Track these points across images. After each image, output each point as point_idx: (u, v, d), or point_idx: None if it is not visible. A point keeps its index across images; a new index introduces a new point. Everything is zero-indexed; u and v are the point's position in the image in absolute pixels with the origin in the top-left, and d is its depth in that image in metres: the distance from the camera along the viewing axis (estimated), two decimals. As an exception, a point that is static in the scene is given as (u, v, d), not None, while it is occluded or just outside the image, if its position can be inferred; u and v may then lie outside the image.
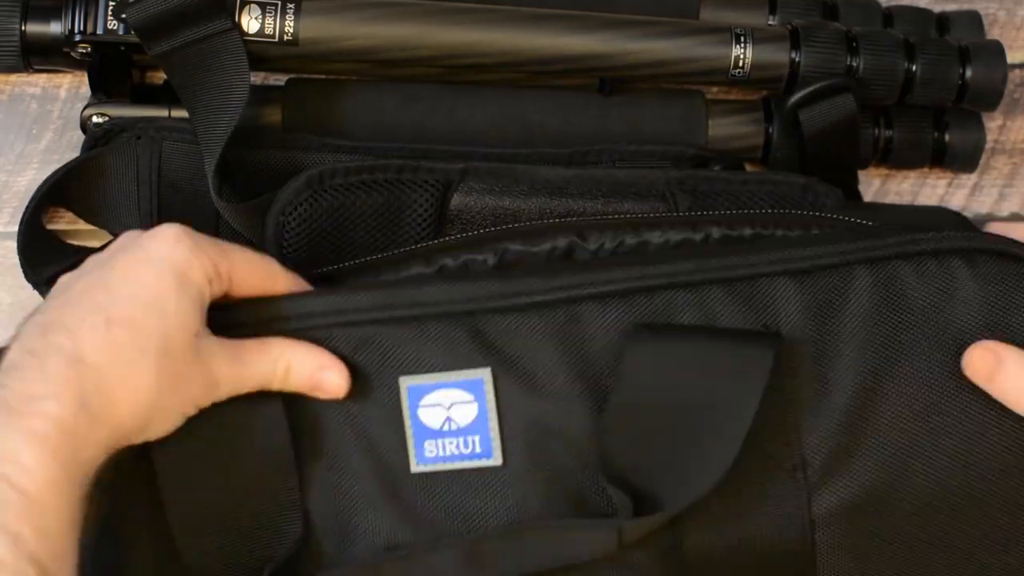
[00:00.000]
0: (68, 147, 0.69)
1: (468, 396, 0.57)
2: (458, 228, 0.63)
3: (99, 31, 0.65)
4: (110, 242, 0.66)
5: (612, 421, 0.55)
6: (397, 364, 0.57)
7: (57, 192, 0.66)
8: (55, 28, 0.65)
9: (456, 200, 0.63)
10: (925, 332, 0.56)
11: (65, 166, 0.65)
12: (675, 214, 0.62)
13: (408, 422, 0.57)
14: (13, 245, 0.65)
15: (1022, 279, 0.56)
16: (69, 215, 0.68)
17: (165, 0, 0.62)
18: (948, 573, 0.57)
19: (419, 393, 0.57)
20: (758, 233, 0.60)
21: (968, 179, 0.72)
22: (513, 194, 0.63)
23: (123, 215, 0.66)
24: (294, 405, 0.57)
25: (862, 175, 0.69)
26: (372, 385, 0.57)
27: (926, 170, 0.71)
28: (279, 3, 0.65)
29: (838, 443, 0.56)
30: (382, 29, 0.65)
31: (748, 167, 0.68)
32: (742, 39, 0.66)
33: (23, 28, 0.65)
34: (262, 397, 0.56)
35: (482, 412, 0.57)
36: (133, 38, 0.64)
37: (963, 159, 0.69)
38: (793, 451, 0.56)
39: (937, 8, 0.71)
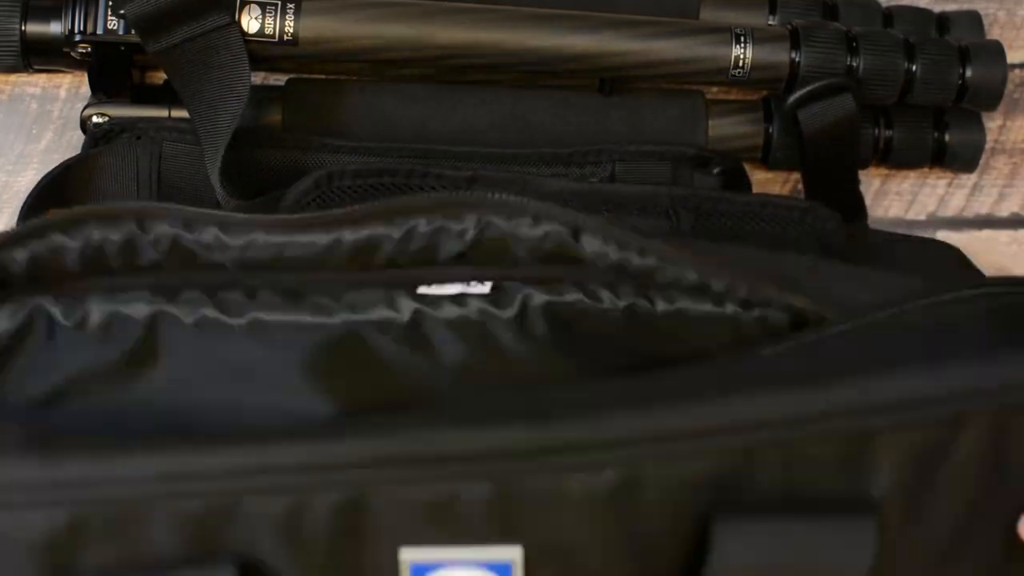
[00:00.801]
0: (68, 147, 0.69)
1: None
2: None
3: (99, 31, 0.65)
4: None
5: None
6: (394, 532, 0.44)
7: (55, 190, 0.66)
8: (55, 28, 0.65)
9: None
10: (1012, 490, 0.47)
11: (64, 163, 0.65)
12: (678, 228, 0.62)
13: None
14: (13, 245, 0.65)
15: None
16: (69, 215, 0.68)
17: None
18: None
19: (424, 572, 0.44)
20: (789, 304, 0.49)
21: (968, 179, 0.72)
22: None
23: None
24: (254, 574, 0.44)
25: (862, 175, 0.69)
26: (362, 560, 0.44)
27: (926, 170, 0.71)
28: (279, 3, 0.65)
29: None
30: (382, 29, 0.65)
31: (748, 167, 0.68)
32: (742, 39, 0.66)
33: (23, 28, 0.65)
34: (211, 566, 0.43)
35: None
36: (133, 38, 0.64)
37: (963, 159, 0.69)
38: None
39: (937, 8, 0.71)
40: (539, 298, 0.47)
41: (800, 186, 0.70)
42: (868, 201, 0.70)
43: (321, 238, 0.47)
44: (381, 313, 0.46)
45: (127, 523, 0.42)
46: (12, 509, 0.42)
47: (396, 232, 0.47)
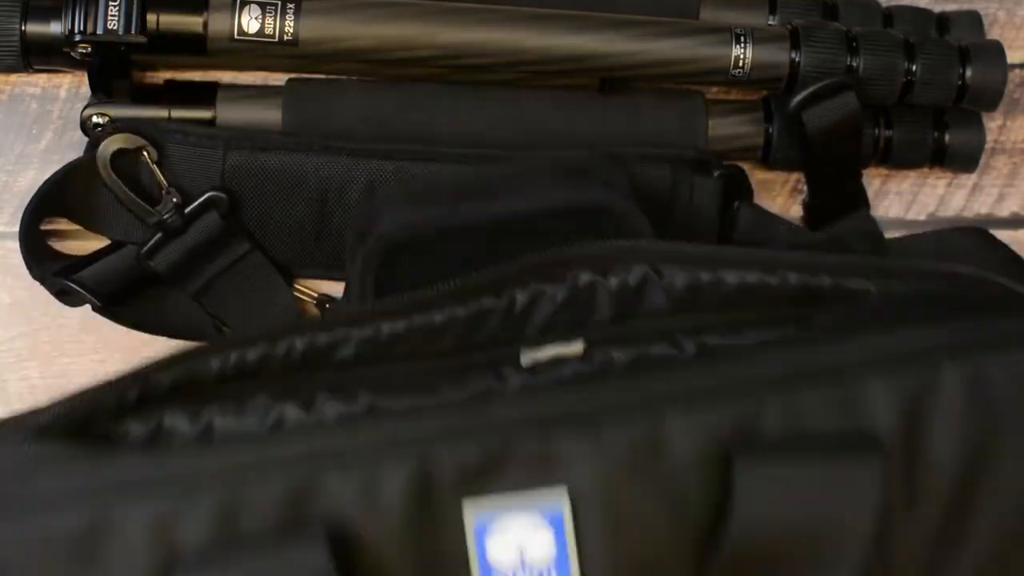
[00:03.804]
0: (68, 147, 0.69)
1: (545, 526, 0.49)
2: None
3: (99, 31, 0.65)
4: (109, 246, 0.66)
5: (725, 553, 0.49)
6: (462, 487, 0.49)
7: (58, 194, 0.66)
8: (55, 28, 0.65)
9: None
10: (1013, 431, 0.50)
11: (65, 167, 0.65)
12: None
13: (475, 560, 0.49)
14: (12, 245, 0.65)
15: None
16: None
17: (181, 242, 0.64)
18: None
19: (487, 522, 0.49)
20: (837, 284, 0.53)
21: (968, 179, 0.72)
22: None
23: (123, 221, 0.66)
24: (343, 544, 0.48)
25: (862, 175, 0.69)
26: (433, 512, 0.49)
27: (926, 170, 0.71)
28: (279, 3, 0.65)
29: (931, 555, 0.51)
30: (382, 29, 0.65)
31: (748, 167, 0.68)
32: (742, 39, 0.66)
33: (23, 28, 0.65)
34: (303, 535, 0.48)
35: (561, 550, 0.49)
36: (133, 38, 0.64)
37: (963, 159, 0.70)
38: (892, 562, 0.51)
39: (937, 8, 0.71)
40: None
41: (801, 185, 0.70)
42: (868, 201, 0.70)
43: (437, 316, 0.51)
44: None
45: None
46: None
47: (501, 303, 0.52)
